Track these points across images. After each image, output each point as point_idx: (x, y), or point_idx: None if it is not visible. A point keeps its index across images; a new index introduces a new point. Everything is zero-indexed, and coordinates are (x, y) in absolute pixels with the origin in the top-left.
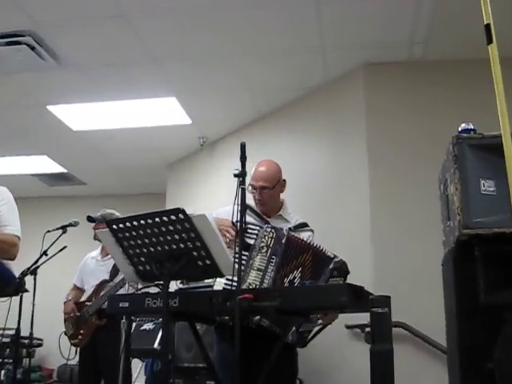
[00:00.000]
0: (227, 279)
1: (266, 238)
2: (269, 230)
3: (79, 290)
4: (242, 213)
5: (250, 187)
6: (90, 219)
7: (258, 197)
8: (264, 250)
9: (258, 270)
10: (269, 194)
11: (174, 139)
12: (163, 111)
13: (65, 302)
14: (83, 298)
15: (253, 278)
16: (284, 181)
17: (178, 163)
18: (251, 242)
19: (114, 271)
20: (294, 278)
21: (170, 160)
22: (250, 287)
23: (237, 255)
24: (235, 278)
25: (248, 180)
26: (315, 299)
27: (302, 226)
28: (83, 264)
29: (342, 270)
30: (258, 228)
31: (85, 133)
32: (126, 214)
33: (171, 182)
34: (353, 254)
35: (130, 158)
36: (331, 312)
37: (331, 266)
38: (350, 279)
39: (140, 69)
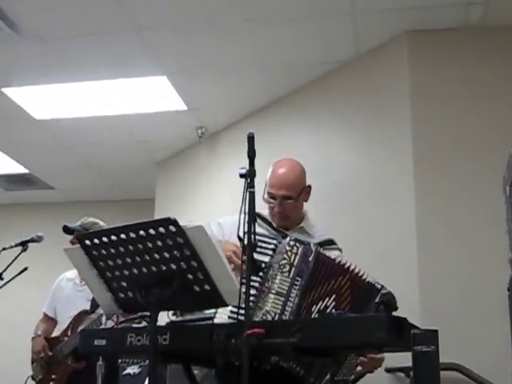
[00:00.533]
0: (232, 309)
1: (289, 253)
2: (292, 243)
3: (51, 321)
4: (251, 223)
5: (267, 196)
6: (67, 230)
7: (278, 209)
8: (286, 269)
9: (278, 294)
10: (292, 205)
11: (164, 130)
12: (151, 94)
13: (33, 338)
14: (56, 333)
15: (271, 305)
16: (309, 187)
17: (170, 161)
18: (265, 259)
19: None
20: (326, 307)
21: (159, 157)
22: (268, 316)
23: (244, 278)
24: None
25: (259, 181)
26: (344, 335)
27: (329, 243)
28: (57, 287)
29: (390, 305)
30: (274, 242)
31: (51, 122)
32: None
33: (161, 185)
34: (392, 278)
35: (109, 155)
36: (372, 353)
37: (377, 300)
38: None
39: (120, 40)
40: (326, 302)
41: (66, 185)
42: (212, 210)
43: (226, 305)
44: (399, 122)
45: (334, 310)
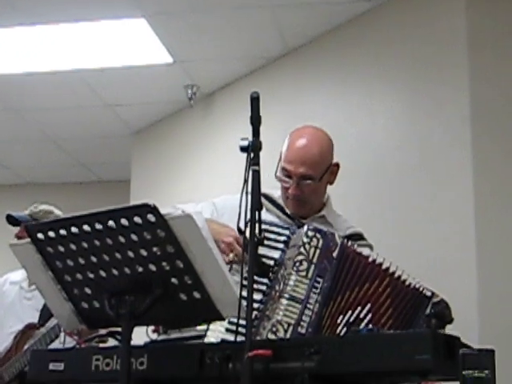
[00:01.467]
0: (230, 323)
1: (307, 247)
2: (311, 233)
3: None
4: (254, 210)
5: (281, 173)
6: (11, 220)
7: (294, 191)
8: (303, 268)
9: (293, 299)
10: (312, 187)
11: (143, 90)
12: (124, 43)
13: None
14: None
15: (283, 313)
16: (336, 165)
17: (150, 131)
18: (275, 254)
19: (48, 309)
20: (359, 319)
21: (135, 126)
22: (279, 328)
23: (246, 281)
24: (242, 321)
25: (269, 154)
26: (376, 358)
27: (356, 237)
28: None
29: (444, 317)
30: (286, 233)
31: None
32: (66, 213)
33: (138, 162)
34: (444, 284)
35: (71, 124)
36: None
37: (428, 311)
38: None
39: None
40: (357, 312)
41: (14, 161)
42: (205, 194)
43: (222, 318)
44: (454, 79)
45: (370, 325)
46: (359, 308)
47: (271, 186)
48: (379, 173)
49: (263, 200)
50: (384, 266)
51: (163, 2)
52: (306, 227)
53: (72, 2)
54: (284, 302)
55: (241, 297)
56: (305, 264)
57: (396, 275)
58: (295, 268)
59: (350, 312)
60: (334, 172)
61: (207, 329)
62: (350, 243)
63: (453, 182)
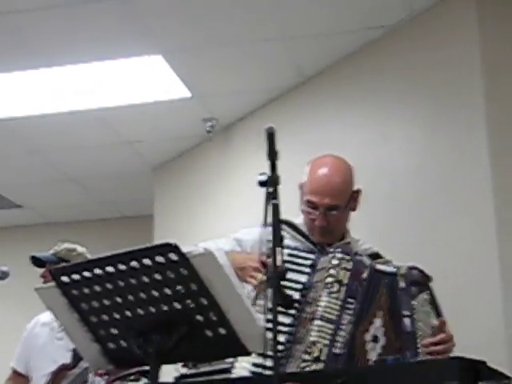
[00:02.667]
0: (255, 360)
1: (337, 269)
2: (340, 256)
3: (22, 378)
4: (276, 245)
5: (305, 204)
6: (35, 261)
7: (321, 223)
8: (335, 289)
9: (326, 320)
10: (339, 216)
11: (162, 125)
12: (142, 80)
13: None
14: None
15: (317, 334)
16: (358, 192)
17: (171, 165)
18: (301, 278)
19: None
20: (377, 329)
21: (156, 161)
22: (314, 350)
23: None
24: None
25: (288, 184)
26: None
27: (375, 257)
28: (29, 336)
29: (415, 279)
30: (311, 257)
31: (11, 122)
32: (87, 252)
33: (160, 197)
34: (468, 307)
35: (93, 162)
36: None
37: (400, 285)
38: (463, 345)
39: (100, 12)
40: (375, 325)
41: (37, 202)
42: (227, 226)
43: (248, 353)
44: (470, 103)
45: (382, 333)
46: (375, 320)
47: (291, 215)
48: (398, 199)
49: (287, 228)
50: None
51: (179, 39)
52: (333, 251)
53: (89, 42)
54: (317, 323)
55: (265, 331)
56: (336, 286)
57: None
58: (326, 290)
59: (371, 327)
60: (356, 198)
61: (232, 363)
62: (376, 264)
63: (473, 207)
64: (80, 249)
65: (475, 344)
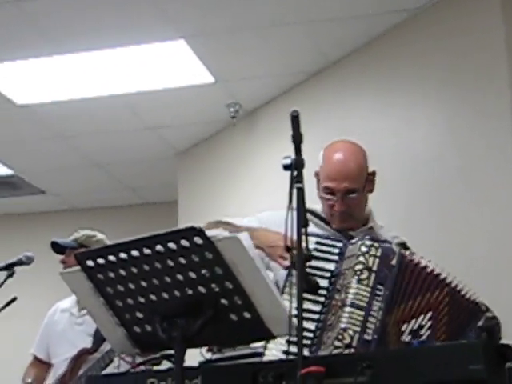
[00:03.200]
0: (289, 341)
1: (366, 256)
2: (369, 243)
3: (43, 365)
4: (301, 229)
5: (323, 191)
6: (56, 247)
7: (340, 208)
8: (364, 276)
9: (356, 307)
10: (357, 199)
11: (185, 110)
12: (165, 65)
13: None
14: (51, 380)
15: (348, 320)
16: (373, 174)
17: (195, 150)
18: (330, 266)
19: (100, 334)
20: (421, 327)
21: (180, 146)
22: (346, 336)
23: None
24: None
25: (308, 172)
26: (428, 370)
27: (401, 247)
28: (49, 322)
29: (494, 333)
30: (339, 245)
31: (37, 108)
32: (111, 238)
33: (184, 182)
34: (488, 292)
35: (115, 147)
36: None
37: (480, 323)
38: None
39: None
40: (420, 320)
41: (61, 188)
42: (251, 211)
43: (273, 336)
44: (494, 89)
45: (429, 331)
46: (422, 316)
47: (314, 201)
48: (420, 184)
49: (310, 216)
50: (442, 277)
51: (202, 24)
52: (363, 238)
53: (112, 28)
54: (347, 309)
55: (291, 315)
56: (365, 272)
57: (453, 285)
58: (356, 277)
59: (413, 320)
60: (371, 180)
61: (265, 347)
62: (407, 252)
63: (495, 193)
64: (100, 235)
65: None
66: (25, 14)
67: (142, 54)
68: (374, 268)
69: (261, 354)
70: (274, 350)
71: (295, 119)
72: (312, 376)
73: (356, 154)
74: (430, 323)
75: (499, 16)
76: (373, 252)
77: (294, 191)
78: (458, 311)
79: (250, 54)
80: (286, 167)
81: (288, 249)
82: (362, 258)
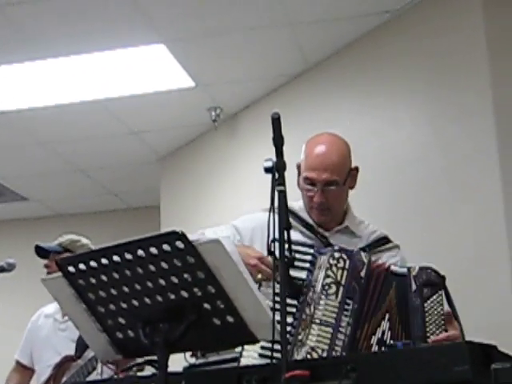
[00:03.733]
0: (264, 346)
1: (334, 269)
2: (337, 255)
3: (26, 370)
4: (283, 232)
5: (304, 182)
6: (40, 251)
7: (319, 199)
8: (332, 291)
9: (324, 324)
10: (337, 192)
11: (167, 115)
12: (145, 70)
13: None
14: None
15: (316, 338)
16: (356, 169)
17: (177, 154)
18: (301, 275)
19: (84, 340)
20: (383, 333)
21: (162, 151)
22: (314, 355)
23: (278, 302)
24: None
25: (289, 175)
26: (413, 372)
27: (382, 241)
28: (32, 328)
29: (431, 280)
30: (310, 252)
31: (16, 114)
32: (94, 243)
33: (167, 187)
34: (475, 287)
35: (99, 152)
36: None
37: (413, 287)
38: (474, 332)
39: (103, 3)
40: (382, 327)
41: (43, 194)
42: (234, 214)
43: (257, 341)
44: (476, 87)
45: (389, 333)
46: (382, 322)
47: (295, 201)
48: (404, 184)
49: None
50: (383, 264)
51: (181, 27)
52: (331, 249)
53: (92, 32)
54: (316, 327)
55: (274, 319)
56: (333, 287)
57: (382, 267)
58: (324, 292)
59: (378, 329)
60: (354, 176)
61: (241, 351)
62: (373, 258)
63: (481, 192)
64: (84, 240)
65: (485, 332)
66: (6, 18)
67: (122, 59)
68: (343, 282)
69: (237, 360)
70: (252, 353)
71: (276, 121)
72: (296, 380)
73: (339, 147)
74: (387, 326)
75: (480, 16)
76: (341, 264)
77: (276, 194)
78: (400, 295)
79: (231, 58)
80: (267, 170)
81: (270, 252)
82: (330, 272)
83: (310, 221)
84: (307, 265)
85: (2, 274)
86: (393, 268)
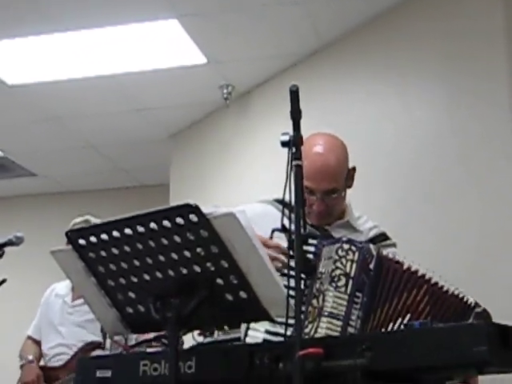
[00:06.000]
0: (268, 330)
1: (343, 260)
2: (347, 246)
3: (39, 345)
4: (299, 207)
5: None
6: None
7: (319, 207)
8: (342, 283)
9: (334, 316)
10: (337, 199)
11: (178, 92)
12: (157, 45)
13: (22, 365)
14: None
15: (326, 331)
16: (353, 169)
17: (188, 132)
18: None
19: None
20: None
21: (173, 129)
22: None
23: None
24: (289, 322)
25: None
26: (430, 352)
27: (381, 238)
28: (45, 303)
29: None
30: (314, 243)
31: (28, 88)
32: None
33: (177, 165)
34: (489, 276)
35: (107, 129)
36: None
37: (471, 321)
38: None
39: None
40: (398, 324)
41: (52, 171)
42: (245, 194)
43: (270, 317)
44: (492, 71)
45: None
46: (400, 320)
47: None
48: (418, 167)
49: (285, 209)
50: (420, 273)
51: (195, 3)
52: (340, 241)
53: (104, 6)
54: (325, 320)
55: (288, 295)
56: (343, 279)
57: (433, 281)
58: (333, 284)
59: (391, 324)
60: (352, 176)
61: (246, 329)
62: (383, 251)
63: (494, 175)
64: (94, 220)
65: (502, 313)
66: None
67: (135, 34)
68: (352, 274)
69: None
70: (257, 332)
71: (294, 94)
72: (310, 358)
73: (336, 151)
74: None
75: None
76: (350, 256)
77: (292, 169)
78: (441, 310)
79: (244, 35)
80: (283, 144)
81: (284, 229)
82: (339, 264)
83: (309, 220)
84: (310, 256)
85: (11, 247)
86: (455, 291)
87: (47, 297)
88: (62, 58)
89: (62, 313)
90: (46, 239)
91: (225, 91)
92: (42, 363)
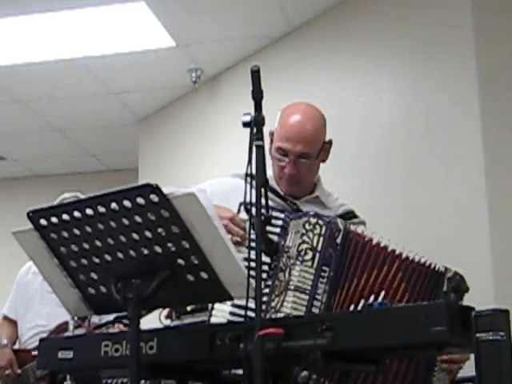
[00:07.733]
0: (234, 305)
1: (310, 234)
2: (314, 220)
3: (14, 324)
4: (260, 187)
5: (276, 152)
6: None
7: (290, 170)
8: (308, 257)
9: (300, 290)
10: (309, 165)
11: (146, 75)
12: (125, 28)
13: None
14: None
15: (292, 305)
16: (330, 143)
17: (157, 116)
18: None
19: None
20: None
21: (142, 112)
22: None
23: (252, 261)
24: (250, 302)
25: (267, 130)
26: (390, 332)
27: (349, 215)
28: (20, 282)
29: (461, 288)
30: (281, 217)
31: None
32: None
33: (145, 149)
34: (456, 255)
35: (78, 112)
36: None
37: (445, 288)
38: None
39: None
40: (371, 301)
41: (21, 154)
42: (212, 176)
43: (231, 298)
44: (460, 52)
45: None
46: (373, 296)
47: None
48: (387, 148)
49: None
50: (390, 249)
51: None
52: (308, 214)
53: None
54: (291, 294)
55: (249, 276)
56: (309, 253)
57: (404, 256)
58: (300, 258)
59: (362, 301)
60: (327, 149)
61: (210, 310)
62: (353, 227)
63: (462, 156)
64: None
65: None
66: None
67: (102, 16)
68: (319, 248)
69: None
70: (221, 312)
71: (255, 74)
72: (270, 338)
73: (315, 119)
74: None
75: None
76: (317, 230)
77: (254, 148)
78: (416, 284)
79: (213, 18)
80: (245, 124)
81: (247, 210)
82: (305, 238)
83: (279, 190)
84: (277, 229)
85: None
86: (425, 261)
87: (23, 275)
88: (30, 40)
89: (41, 291)
90: (15, 223)
91: (194, 75)
92: (18, 346)
